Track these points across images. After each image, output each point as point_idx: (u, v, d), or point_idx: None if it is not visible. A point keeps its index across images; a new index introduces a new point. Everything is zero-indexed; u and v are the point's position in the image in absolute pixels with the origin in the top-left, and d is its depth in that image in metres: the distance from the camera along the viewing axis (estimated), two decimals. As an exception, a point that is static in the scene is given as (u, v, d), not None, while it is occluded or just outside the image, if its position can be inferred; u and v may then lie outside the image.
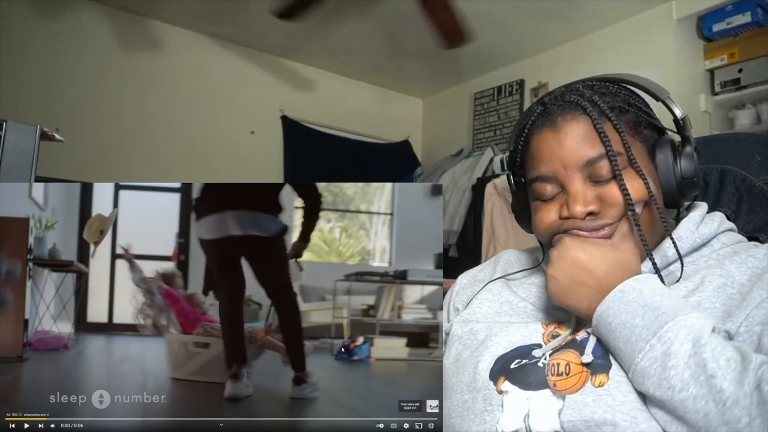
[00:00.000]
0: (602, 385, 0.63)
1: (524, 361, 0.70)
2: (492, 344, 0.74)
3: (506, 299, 0.82)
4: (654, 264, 0.69)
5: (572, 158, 0.70)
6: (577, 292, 0.67)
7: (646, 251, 0.68)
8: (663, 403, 0.58)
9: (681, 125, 0.73)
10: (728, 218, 0.78)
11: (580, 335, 0.69)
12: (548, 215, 0.73)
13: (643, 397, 0.61)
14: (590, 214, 0.70)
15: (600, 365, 0.65)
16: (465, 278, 0.93)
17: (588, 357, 0.66)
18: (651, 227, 0.71)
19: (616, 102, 0.73)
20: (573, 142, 0.70)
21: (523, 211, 0.81)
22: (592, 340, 0.67)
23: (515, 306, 0.81)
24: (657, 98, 0.73)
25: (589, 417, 0.62)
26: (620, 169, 0.68)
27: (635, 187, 0.69)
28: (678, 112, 0.73)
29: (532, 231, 0.80)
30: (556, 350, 0.70)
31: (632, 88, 0.76)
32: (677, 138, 0.74)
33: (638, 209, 0.69)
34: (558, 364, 0.68)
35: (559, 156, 0.71)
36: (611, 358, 0.65)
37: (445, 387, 0.78)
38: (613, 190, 0.69)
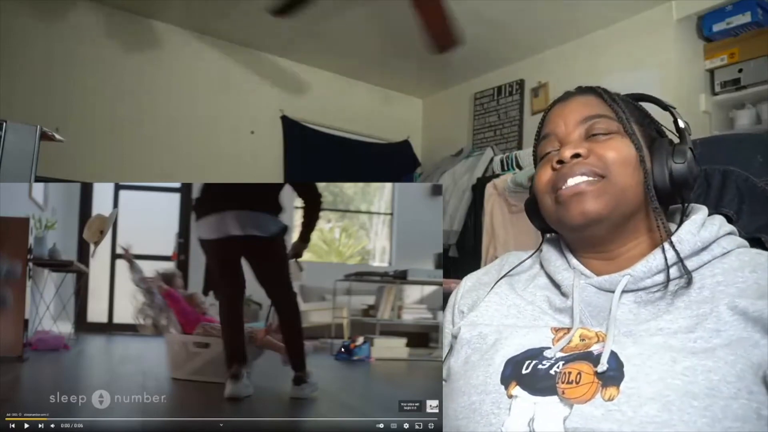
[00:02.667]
0: (612, 399, 0.62)
1: (535, 362, 0.70)
2: (502, 347, 0.74)
3: (513, 302, 0.82)
4: (674, 249, 0.70)
5: (572, 114, 0.78)
6: None
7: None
8: None
9: (678, 129, 0.78)
10: (729, 219, 0.78)
11: (596, 349, 0.69)
12: (547, 171, 0.78)
13: (655, 408, 0.59)
14: (576, 156, 0.74)
15: (612, 377, 0.64)
16: (469, 281, 0.93)
17: (603, 366, 0.64)
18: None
19: (626, 98, 0.81)
20: (577, 105, 0.80)
21: (532, 205, 0.85)
22: (607, 351, 0.66)
23: (522, 309, 0.81)
24: (664, 107, 0.80)
25: (596, 427, 0.61)
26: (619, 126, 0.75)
27: (625, 150, 0.74)
28: (681, 123, 0.78)
29: (538, 225, 0.84)
30: (570, 360, 0.69)
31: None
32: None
33: (624, 168, 0.73)
34: (569, 373, 0.67)
35: (562, 114, 0.80)
36: (624, 370, 0.64)
37: (451, 389, 0.77)
38: (606, 144, 0.74)
